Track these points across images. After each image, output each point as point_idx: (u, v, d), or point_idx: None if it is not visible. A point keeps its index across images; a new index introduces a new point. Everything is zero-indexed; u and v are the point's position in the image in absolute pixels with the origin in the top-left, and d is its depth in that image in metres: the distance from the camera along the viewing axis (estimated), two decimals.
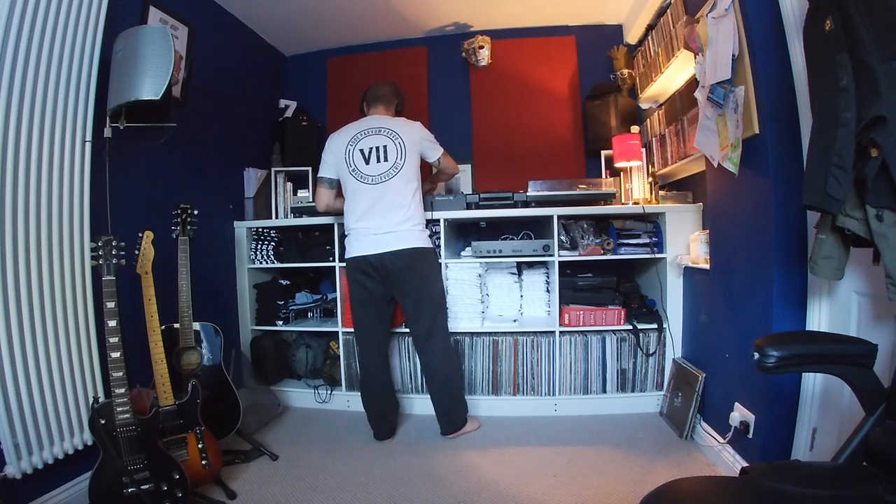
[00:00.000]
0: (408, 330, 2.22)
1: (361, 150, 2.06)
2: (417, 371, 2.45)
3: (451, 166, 2.29)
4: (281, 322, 2.65)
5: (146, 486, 1.42)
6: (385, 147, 2.05)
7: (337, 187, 2.17)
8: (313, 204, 2.66)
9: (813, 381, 1.44)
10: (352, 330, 2.51)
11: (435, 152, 2.18)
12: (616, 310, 2.35)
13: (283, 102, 3.20)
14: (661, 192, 2.39)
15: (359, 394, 2.22)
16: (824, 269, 1.14)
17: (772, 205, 1.48)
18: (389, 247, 2.00)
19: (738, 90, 1.58)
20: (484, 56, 3.07)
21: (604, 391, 2.37)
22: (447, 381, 2.12)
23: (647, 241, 2.34)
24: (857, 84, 0.97)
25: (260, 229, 2.73)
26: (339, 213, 2.18)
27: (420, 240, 2.06)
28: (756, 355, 0.88)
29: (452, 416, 2.13)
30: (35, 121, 1.49)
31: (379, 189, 2.03)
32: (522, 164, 3.02)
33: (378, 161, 2.04)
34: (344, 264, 2.51)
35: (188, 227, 1.85)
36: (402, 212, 2.02)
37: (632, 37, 2.83)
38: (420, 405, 2.43)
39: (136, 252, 1.63)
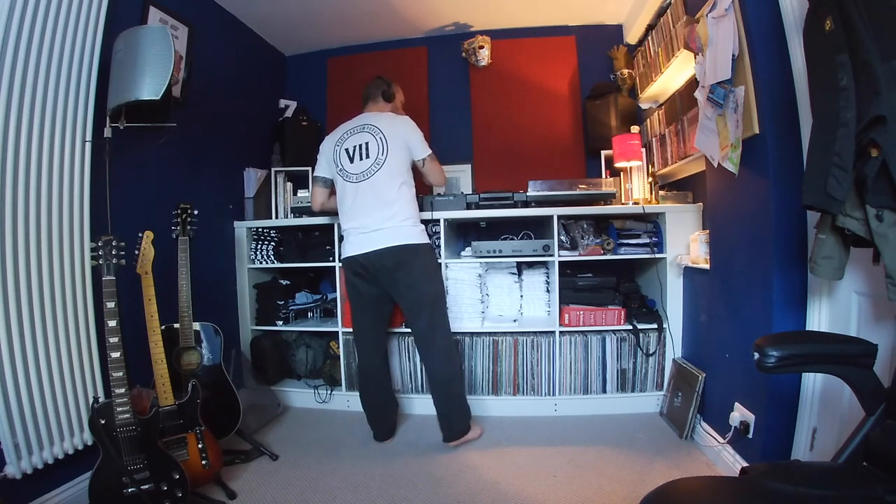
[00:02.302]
0: (408, 329, 2.20)
1: (347, 150, 2.05)
2: (417, 371, 2.45)
3: (435, 173, 2.13)
4: (281, 322, 2.65)
5: (146, 486, 1.42)
6: (367, 144, 2.02)
7: (331, 186, 2.16)
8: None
9: (813, 381, 1.44)
10: (352, 330, 2.52)
11: (420, 151, 2.08)
12: (616, 310, 2.35)
13: (283, 102, 3.20)
14: (661, 192, 2.39)
15: (358, 393, 2.22)
16: (824, 269, 1.14)
17: (772, 205, 1.48)
18: (375, 245, 1.95)
19: (738, 90, 1.58)
20: (484, 56, 3.07)
21: (604, 391, 2.37)
22: (447, 385, 2.05)
23: (647, 241, 2.34)
24: (857, 84, 0.97)
25: (260, 229, 2.73)
26: (334, 213, 2.18)
27: (409, 236, 1.97)
28: (756, 355, 0.88)
29: (453, 423, 2.06)
30: (35, 121, 1.49)
31: (362, 187, 1.99)
32: (522, 164, 3.02)
33: (361, 159, 2.02)
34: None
35: (188, 227, 1.86)
36: (387, 208, 1.96)
37: (632, 37, 2.83)
38: (420, 405, 2.43)
39: (136, 252, 1.63)
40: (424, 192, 2.50)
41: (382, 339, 2.22)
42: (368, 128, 2.05)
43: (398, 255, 1.95)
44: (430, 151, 2.12)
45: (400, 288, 2.01)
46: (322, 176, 2.14)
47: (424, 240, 2.05)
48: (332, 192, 2.18)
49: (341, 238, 2.12)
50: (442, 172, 2.19)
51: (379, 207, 1.96)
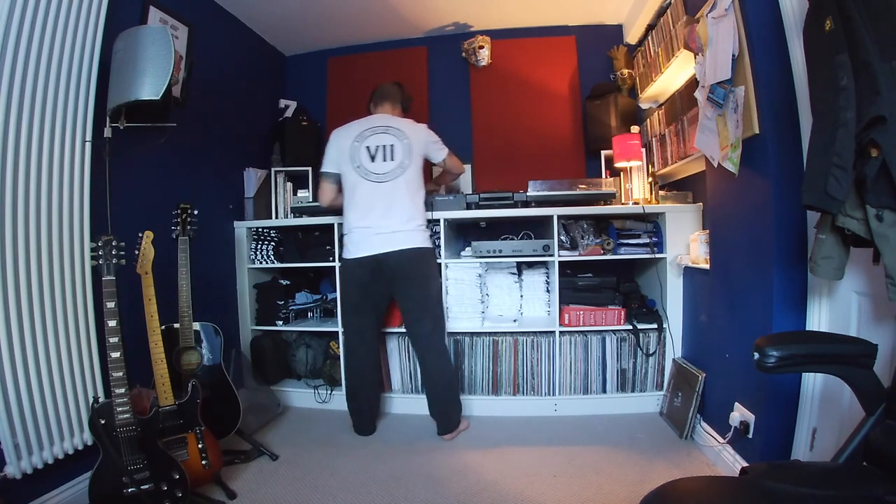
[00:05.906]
0: (405, 330, 2.23)
1: (367, 148, 2.09)
2: (417, 371, 2.44)
3: (456, 166, 2.31)
4: (281, 322, 2.65)
5: (146, 486, 1.42)
6: (392, 146, 2.08)
7: (339, 183, 2.17)
8: (313, 204, 2.66)
9: (813, 381, 1.44)
10: (343, 329, 2.51)
11: (440, 153, 2.21)
12: (616, 310, 2.35)
13: (283, 102, 3.20)
14: (661, 192, 2.39)
15: (346, 390, 2.23)
16: (824, 269, 1.14)
17: (772, 205, 1.48)
18: (395, 246, 2.02)
19: (738, 90, 1.58)
20: (484, 56, 3.07)
21: (604, 391, 2.37)
22: (449, 383, 2.15)
23: (647, 241, 2.34)
24: (857, 84, 0.96)
25: (260, 229, 2.73)
26: (341, 209, 2.18)
27: (424, 240, 2.10)
28: (756, 355, 0.88)
29: (452, 416, 2.15)
30: (35, 121, 1.49)
31: (385, 188, 2.05)
32: (522, 164, 3.02)
33: (385, 160, 2.07)
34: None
35: (188, 227, 1.85)
36: (407, 212, 2.05)
37: (632, 37, 2.83)
38: (419, 405, 2.40)
39: (136, 252, 1.63)
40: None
41: (378, 338, 2.28)
42: (392, 131, 2.11)
43: (413, 258, 2.05)
44: (447, 150, 2.24)
45: (410, 287, 2.09)
46: (331, 172, 2.17)
47: (432, 244, 2.20)
48: (340, 189, 2.19)
49: (342, 235, 2.13)
50: (460, 163, 2.36)
51: (400, 210, 2.05)
